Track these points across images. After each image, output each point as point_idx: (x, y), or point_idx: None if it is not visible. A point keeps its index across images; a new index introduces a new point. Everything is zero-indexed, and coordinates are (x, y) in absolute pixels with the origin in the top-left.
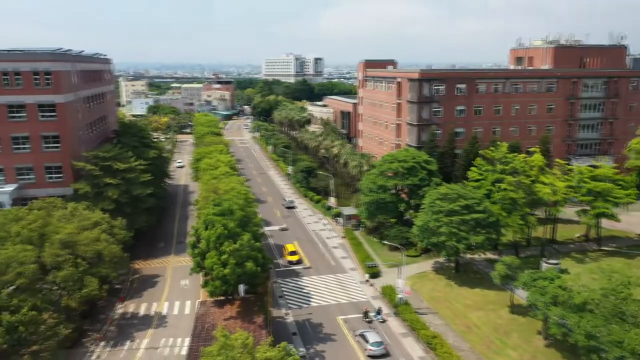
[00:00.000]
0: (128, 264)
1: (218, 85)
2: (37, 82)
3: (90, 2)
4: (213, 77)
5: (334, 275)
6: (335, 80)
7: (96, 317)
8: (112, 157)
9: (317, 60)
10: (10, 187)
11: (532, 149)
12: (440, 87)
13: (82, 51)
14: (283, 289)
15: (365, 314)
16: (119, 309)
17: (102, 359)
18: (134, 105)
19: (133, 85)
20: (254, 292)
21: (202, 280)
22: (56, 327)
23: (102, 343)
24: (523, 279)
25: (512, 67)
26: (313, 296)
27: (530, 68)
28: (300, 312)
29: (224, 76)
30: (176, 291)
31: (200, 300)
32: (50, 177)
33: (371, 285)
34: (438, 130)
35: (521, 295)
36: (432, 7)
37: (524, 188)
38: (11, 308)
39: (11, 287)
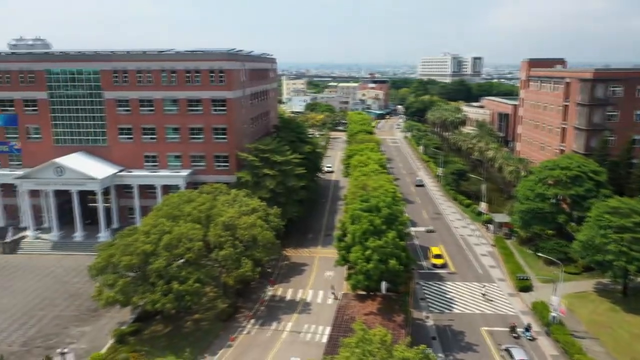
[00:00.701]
0: (280, 250)
1: (373, 85)
2: (212, 79)
3: (260, 6)
4: (368, 76)
5: (480, 284)
6: (495, 80)
7: (249, 297)
8: (270, 150)
9: (476, 59)
10: (185, 172)
11: None
12: (617, 88)
13: (252, 51)
14: (425, 291)
15: (512, 328)
16: (270, 291)
17: (252, 334)
18: (293, 102)
19: (294, 84)
20: (395, 290)
21: (346, 273)
22: (215, 301)
23: (252, 320)
24: None
25: None
26: (456, 302)
27: None
28: (442, 317)
29: (379, 75)
30: (321, 281)
31: (343, 292)
32: (218, 165)
33: (521, 299)
34: (611, 136)
35: None
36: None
37: None
38: (180, 279)
39: (181, 260)
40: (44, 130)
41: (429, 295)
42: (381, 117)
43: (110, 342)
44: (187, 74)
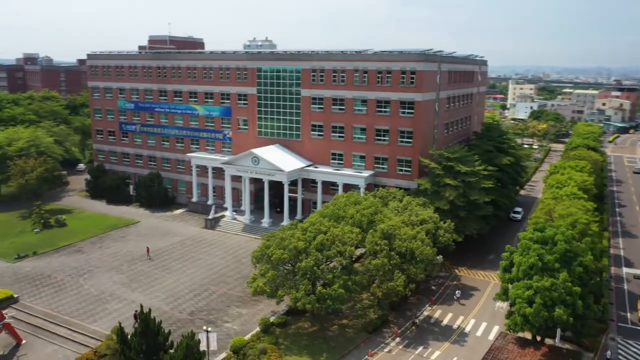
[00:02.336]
0: (438, 269)
1: (617, 93)
2: (403, 80)
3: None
4: (613, 82)
5: None
6: None
7: (403, 312)
8: (456, 158)
9: None
10: (367, 173)
11: None
12: None
13: (454, 52)
14: (621, 352)
15: None
16: (426, 310)
17: (392, 354)
18: (517, 108)
19: (521, 89)
20: (577, 342)
21: (507, 310)
22: (368, 309)
23: (398, 339)
24: None
25: None
26: None
27: None
28: None
29: (628, 82)
30: (488, 311)
31: (503, 331)
32: (401, 170)
33: None
34: None
35: None
36: None
37: None
38: (325, 281)
39: (332, 263)
40: (251, 122)
41: (626, 358)
42: (623, 130)
43: (257, 329)
44: (379, 75)
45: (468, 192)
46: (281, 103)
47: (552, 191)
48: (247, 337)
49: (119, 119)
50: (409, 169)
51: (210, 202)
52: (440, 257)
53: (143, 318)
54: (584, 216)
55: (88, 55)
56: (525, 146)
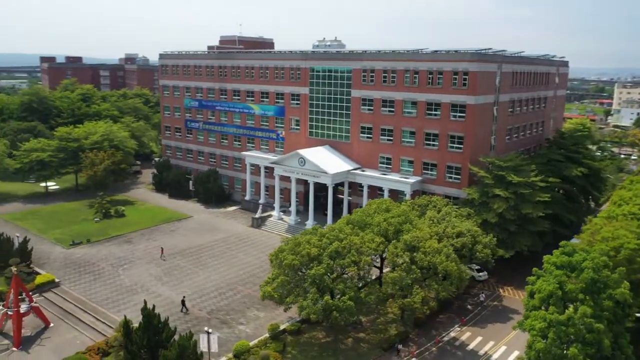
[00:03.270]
0: (464, 286)
1: None
2: (455, 82)
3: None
4: None
5: None
6: None
7: (427, 330)
8: (508, 167)
9: None
10: (413, 179)
11: None
12: None
13: (521, 52)
14: None
15: None
16: (454, 331)
17: None
18: (622, 114)
19: (628, 93)
20: None
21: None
22: (390, 324)
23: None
24: None
25: None
26: None
27: None
28: None
29: None
30: (524, 338)
31: None
32: (450, 177)
33: None
34: None
35: None
36: None
37: None
38: (335, 291)
39: (347, 273)
40: (302, 122)
41: None
42: None
43: (266, 334)
44: (430, 75)
45: (520, 204)
46: (332, 104)
47: (609, 209)
48: (255, 342)
49: (185, 117)
50: (459, 177)
51: (261, 200)
52: (483, 274)
53: (146, 314)
54: (635, 241)
55: (160, 55)
56: (622, 156)
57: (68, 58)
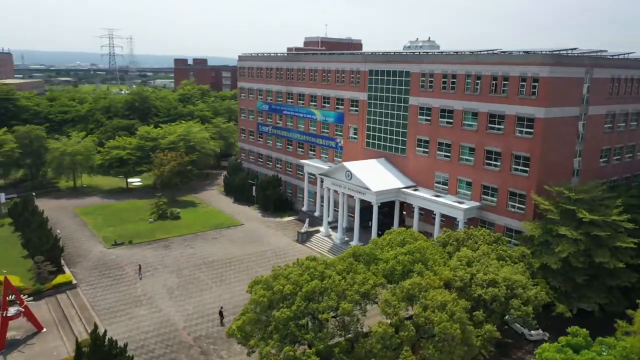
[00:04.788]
0: (472, 355)
1: None
2: (522, 90)
3: None
4: None
5: None
6: None
7: None
8: (583, 200)
9: None
10: (468, 204)
11: None
12: None
13: (630, 53)
14: None
15: None
16: None
17: None
18: None
19: None
20: None
21: None
22: None
23: None
24: None
25: None
26: None
27: None
28: None
29: None
30: None
31: None
32: (513, 206)
33: None
34: None
35: None
36: None
37: None
38: (301, 341)
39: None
40: (360, 131)
41: None
42: None
43: None
44: (493, 82)
45: (593, 250)
46: (389, 112)
47: None
48: None
49: (257, 120)
50: (523, 207)
51: (317, 213)
52: (537, 333)
53: (94, 338)
54: None
55: (238, 57)
56: None
57: (195, 60)
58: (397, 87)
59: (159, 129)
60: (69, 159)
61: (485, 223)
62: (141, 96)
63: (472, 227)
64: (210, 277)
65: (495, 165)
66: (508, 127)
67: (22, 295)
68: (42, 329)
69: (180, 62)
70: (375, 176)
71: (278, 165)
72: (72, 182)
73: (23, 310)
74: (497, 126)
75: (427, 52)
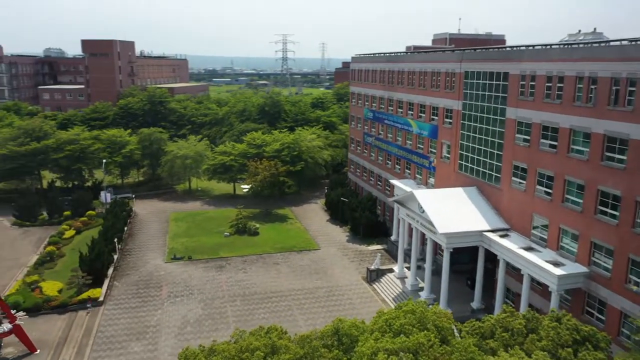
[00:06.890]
0: None
1: None
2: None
3: None
4: None
5: None
6: None
7: None
8: None
9: None
10: (567, 269)
11: None
12: None
13: None
14: None
15: None
16: None
17: None
18: None
19: None
20: None
21: None
22: None
23: None
24: None
25: None
26: None
27: None
28: None
29: None
30: None
31: None
32: (637, 282)
33: None
34: None
35: None
36: None
37: None
38: None
39: None
40: (453, 149)
41: None
42: None
43: None
44: (614, 87)
45: None
46: (483, 126)
47: None
48: None
49: (364, 129)
50: None
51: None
52: None
53: None
54: None
55: (352, 58)
56: None
57: (344, 63)
58: (493, 93)
59: (266, 135)
60: (180, 162)
61: (595, 300)
62: (272, 100)
63: (567, 304)
64: (238, 314)
65: (613, 216)
66: (633, 158)
67: (17, 313)
68: (35, 350)
69: (345, 66)
70: (452, 212)
71: (379, 183)
72: (187, 185)
73: (12, 327)
74: (617, 156)
75: (529, 47)
